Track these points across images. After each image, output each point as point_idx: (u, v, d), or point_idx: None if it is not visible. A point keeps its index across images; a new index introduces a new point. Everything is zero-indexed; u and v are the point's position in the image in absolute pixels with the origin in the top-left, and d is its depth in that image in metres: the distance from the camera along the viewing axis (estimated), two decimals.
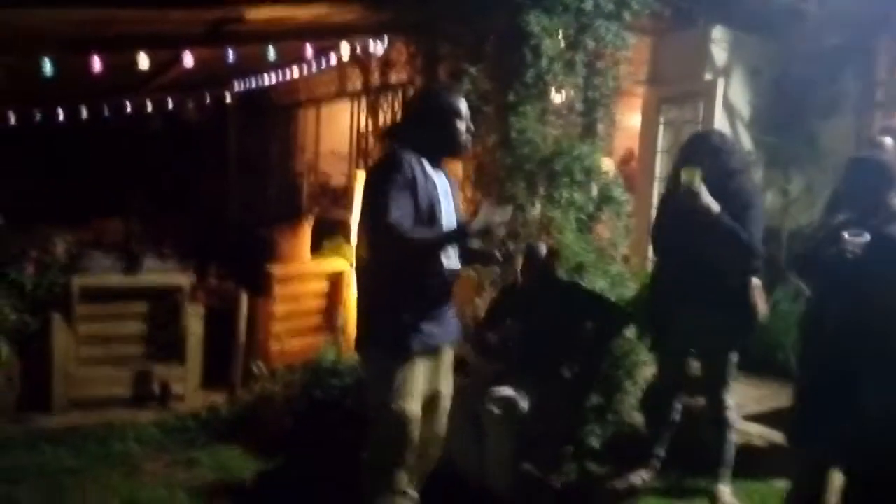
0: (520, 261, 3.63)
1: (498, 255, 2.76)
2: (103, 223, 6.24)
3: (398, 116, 5.61)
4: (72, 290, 4.54)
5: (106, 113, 7.43)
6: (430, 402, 2.71)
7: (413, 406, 2.56)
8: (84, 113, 7.18)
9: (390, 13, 4.85)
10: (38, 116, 7.16)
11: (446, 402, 2.78)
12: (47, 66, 4.61)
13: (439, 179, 2.62)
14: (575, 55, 4.35)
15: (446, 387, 2.78)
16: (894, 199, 2.78)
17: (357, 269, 2.88)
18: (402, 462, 2.58)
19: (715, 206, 2.96)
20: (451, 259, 2.60)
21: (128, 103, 7.54)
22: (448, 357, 2.77)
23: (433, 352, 2.64)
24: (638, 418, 3.79)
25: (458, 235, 2.52)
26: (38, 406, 4.44)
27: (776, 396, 4.07)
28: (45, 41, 4.56)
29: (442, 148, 2.65)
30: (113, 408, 4.55)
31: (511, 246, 4.05)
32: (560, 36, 4.24)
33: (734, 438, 3.36)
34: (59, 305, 4.54)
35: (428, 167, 2.58)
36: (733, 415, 3.33)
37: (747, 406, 4.03)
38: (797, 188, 5.37)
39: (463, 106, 2.65)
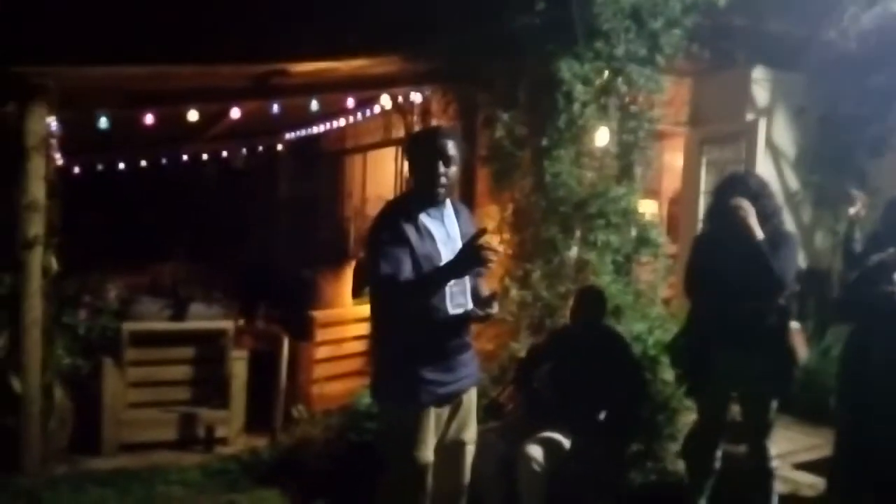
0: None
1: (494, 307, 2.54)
2: (156, 268, 6.46)
3: None
4: (122, 334, 4.68)
5: (162, 162, 7.77)
6: (453, 452, 2.63)
7: (426, 453, 2.49)
8: (141, 163, 7.53)
9: (427, 64, 4.99)
10: (97, 166, 7.52)
11: (470, 451, 2.68)
12: (103, 120, 4.89)
13: (438, 228, 2.49)
14: (608, 99, 4.37)
15: (469, 435, 2.68)
16: None
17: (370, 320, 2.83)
18: None
19: (759, 231, 2.93)
20: (457, 303, 2.49)
21: (182, 153, 7.88)
22: (469, 402, 2.66)
23: (448, 400, 2.55)
24: (680, 466, 3.68)
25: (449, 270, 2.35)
26: (89, 448, 4.54)
27: (827, 444, 3.90)
28: (105, 96, 4.84)
29: (423, 191, 2.49)
30: (159, 450, 4.65)
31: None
32: (592, 81, 4.27)
33: (778, 488, 3.22)
34: (110, 350, 4.67)
35: (423, 218, 2.46)
36: (776, 463, 3.20)
37: (797, 454, 3.89)
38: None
39: (445, 146, 2.43)
